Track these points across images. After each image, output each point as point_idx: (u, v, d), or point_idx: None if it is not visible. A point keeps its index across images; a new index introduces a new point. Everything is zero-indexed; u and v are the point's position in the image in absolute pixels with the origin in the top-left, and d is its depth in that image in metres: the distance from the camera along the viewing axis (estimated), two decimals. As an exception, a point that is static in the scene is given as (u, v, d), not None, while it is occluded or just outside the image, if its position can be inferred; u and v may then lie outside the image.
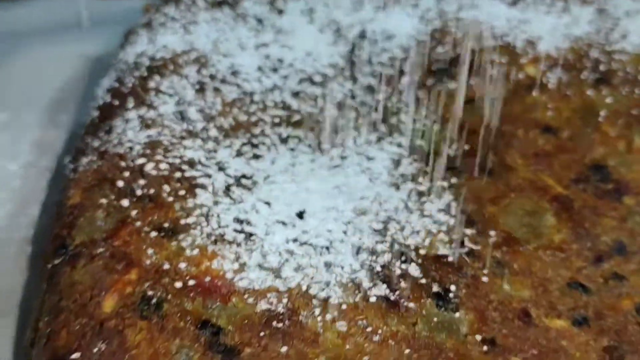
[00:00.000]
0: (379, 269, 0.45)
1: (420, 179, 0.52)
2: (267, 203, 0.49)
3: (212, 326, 0.41)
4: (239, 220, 0.47)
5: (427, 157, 0.54)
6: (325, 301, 0.43)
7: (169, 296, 0.42)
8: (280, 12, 0.66)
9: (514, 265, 0.47)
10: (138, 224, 0.45)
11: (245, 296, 0.42)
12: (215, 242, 0.45)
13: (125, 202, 0.47)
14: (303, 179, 0.51)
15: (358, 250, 0.46)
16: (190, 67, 0.58)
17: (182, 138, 0.52)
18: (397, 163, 0.53)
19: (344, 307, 0.43)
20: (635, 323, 0.44)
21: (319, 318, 0.42)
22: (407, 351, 0.41)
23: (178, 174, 0.49)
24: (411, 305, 0.44)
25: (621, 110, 0.59)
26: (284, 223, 0.47)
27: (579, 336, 0.44)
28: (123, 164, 0.49)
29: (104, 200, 0.47)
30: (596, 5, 0.67)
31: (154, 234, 0.45)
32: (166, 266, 0.43)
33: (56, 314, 0.42)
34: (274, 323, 0.41)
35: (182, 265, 0.43)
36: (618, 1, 0.67)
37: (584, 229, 0.50)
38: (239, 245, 0.45)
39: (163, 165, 0.50)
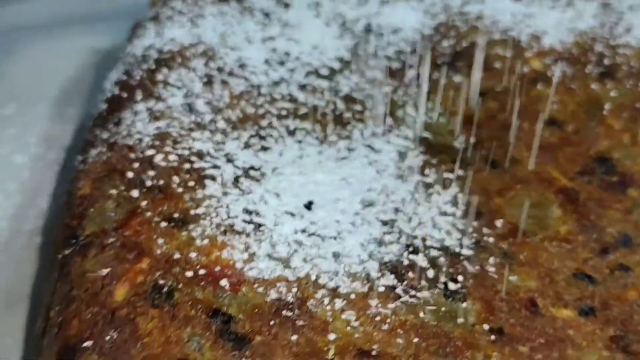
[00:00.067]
0: (386, 259, 0.46)
1: (427, 171, 0.53)
2: (276, 194, 0.49)
3: (223, 315, 0.41)
4: (248, 211, 0.47)
5: (434, 149, 0.55)
6: (334, 291, 0.43)
7: (180, 285, 0.42)
8: (287, 5, 0.66)
9: (520, 256, 0.48)
10: (148, 214, 0.46)
11: (255, 285, 0.43)
12: (224, 232, 0.45)
13: (135, 193, 0.47)
14: (311, 171, 0.51)
15: (366, 241, 0.47)
16: (197, 60, 0.58)
17: (191, 130, 0.52)
18: (403, 155, 0.54)
19: (352, 296, 0.43)
20: (640, 313, 0.45)
21: (328, 307, 0.42)
22: (415, 340, 0.42)
23: (187, 165, 0.49)
24: (419, 295, 0.44)
25: (626, 104, 0.59)
26: (292, 214, 0.48)
27: (586, 326, 0.44)
28: (132, 155, 0.50)
29: (113, 191, 0.48)
30: (600, -1, 0.68)
31: (164, 224, 0.45)
32: (177, 256, 0.44)
33: (67, 303, 0.43)
34: (284, 312, 0.42)
35: (193, 254, 0.44)
36: (622, -5, 0.68)
37: (590, 221, 0.51)
38: (248, 235, 0.46)
39: (172, 157, 0.50)
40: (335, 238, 0.47)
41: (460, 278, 0.45)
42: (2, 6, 0.80)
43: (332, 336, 0.41)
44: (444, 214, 0.50)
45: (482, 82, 0.60)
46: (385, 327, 0.42)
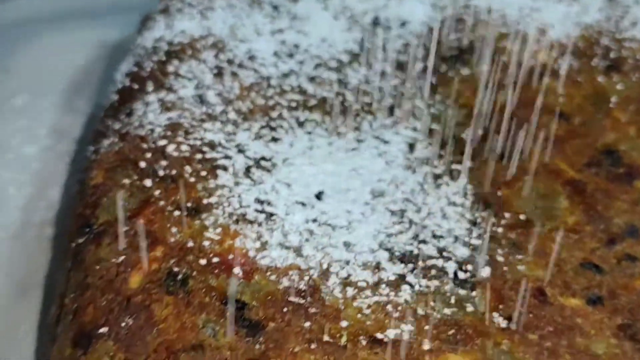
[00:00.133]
0: (396, 249, 0.46)
1: (436, 162, 0.53)
2: (287, 184, 0.49)
3: (237, 302, 0.41)
4: (259, 201, 0.48)
5: (442, 141, 0.55)
6: (345, 279, 0.44)
7: (194, 273, 0.43)
8: (295, -2, 0.67)
9: (528, 246, 0.48)
10: (161, 203, 0.46)
11: (268, 273, 0.43)
12: (237, 221, 0.46)
13: (148, 182, 0.48)
14: (321, 162, 0.52)
15: (376, 231, 0.47)
16: (208, 51, 0.59)
17: (202, 121, 0.53)
18: (412, 147, 0.54)
19: (363, 285, 0.44)
20: (648, 302, 0.45)
21: (340, 295, 0.43)
22: (426, 327, 0.42)
23: (199, 156, 0.50)
24: (429, 283, 0.44)
25: (632, 97, 0.60)
26: (303, 204, 0.48)
27: (594, 314, 0.44)
28: (145, 145, 0.50)
29: (126, 181, 0.48)
30: (607, -7, 0.68)
31: (177, 213, 0.46)
32: (190, 244, 0.44)
33: (82, 290, 0.43)
34: (297, 299, 0.42)
35: (206, 243, 0.44)
36: (628, -11, 0.68)
37: (597, 212, 0.51)
38: (260, 224, 0.46)
39: (184, 147, 0.50)
40: (345, 227, 0.47)
41: (469, 267, 0.46)
42: (12, 0, 0.81)
43: (344, 323, 0.42)
44: (453, 204, 0.50)
45: (489, 74, 0.60)
46: (396, 314, 0.43)
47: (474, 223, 0.49)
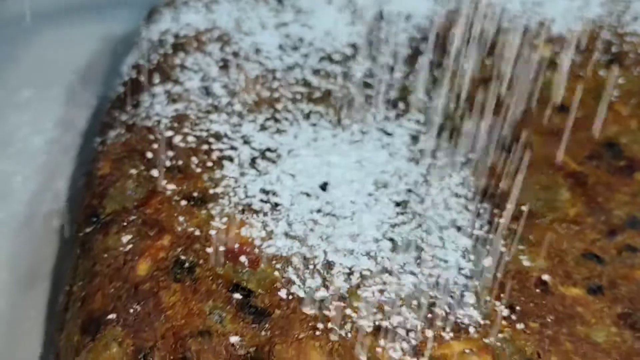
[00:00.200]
0: (399, 238, 0.47)
1: (439, 154, 0.54)
2: (292, 175, 0.50)
3: (243, 289, 0.42)
4: (265, 191, 0.48)
5: (444, 133, 0.56)
6: (349, 268, 0.45)
7: (201, 261, 0.43)
8: (300, -8, 0.67)
9: (530, 237, 0.49)
10: (168, 193, 0.47)
11: (273, 262, 0.44)
12: (242, 211, 0.47)
13: (154, 173, 0.49)
14: (325, 153, 0.52)
15: (379, 221, 0.48)
16: (213, 44, 0.59)
17: (208, 112, 0.53)
18: (415, 139, 0.55)
19: (367, 273, 0.44)
20: (648, 292, 0.46)
21: (345, 284, 0.44)
22: (429, 316, 0.43)
23: (205, 147, 0.51)
24: (432, 272, 0.45)
25: (633, 90, 0.60)
26: (308, 194, 0.49)
27: (594, 303, 0.45)
28: (151, 136, 0.51)
29: (133, 171, 0.49)
30: (608, -13, 0.69)
31: (184, 202, 0.47)
32: (197, 233, 0.45)
33: (90, 278, 0.44)
34: (302, 287, 0.43)
35: (212, 232, 0.45)
36: (630, -16, 0.69)
37: (598, 204, 0.52)
38: (265, 214, 0.47)
39: (190, 138, 0.51)
40: (349, 218, 0.48)
41: (472, 257, 0.47)
42: (19, -7, 0.82)
43: (348, 311, 0.42)
44: (456, 195, 0.51)
45: (492, 68, 0.61)
46: (399, 303, 0.43)
47: (476, 214, 0.50)
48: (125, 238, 0.45)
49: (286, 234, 0.46)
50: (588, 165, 0.55)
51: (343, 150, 0.53)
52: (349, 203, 0.49)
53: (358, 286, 0.44)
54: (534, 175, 0.53)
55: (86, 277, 0.44)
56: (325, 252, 0.45)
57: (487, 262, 0.47)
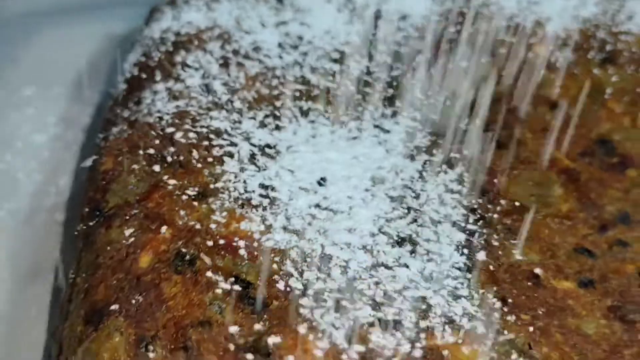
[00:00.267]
0: (395, 233, 0.48)
1: (434, 151, 0.55)
2: (290, 171, 0.51)
3: (242, 281, 0.43)
4: (264, 186, 0.49)
5: (441, 130, 0.57)
6: (346, 261, 0.46)
7: (201, 253, 0.44)
8: (299, -9, 0.68)
9: (523, 232, 0.50)
10: (170, 187, 0.48)
11: (272, 255, 0.45)
12: (242, 205, 0.48)
13: (156, 168, 0.50)
14: (323, 149, 0.53)
15: (376, 216, 0.49)
16: (214, 42, 0.61)
17: (209, 109, 0.54)
18: (411, 136, 0.56)
19: (364, 266, 0.46)
20: (637, 285, 0.47)
21: (341, 276, 0.45)
22: (423, 307, 0.44)
23: (206, 142, 0.52)
24: (427, 266, 0.46)
25: (627, 88, 0.61)
26: (306, 189, 0.50)
27: (585, 296, 0.46)
28: (153, 132, 0.52)
29: (135, 166, 0.50)
30: (603, -13, 0.70)
31: (185, 197, 0.48)
32: (198, 226, 0.46)
33: (94, 270, 0.45)
34: (299, 279, 0.44)
35: (213, 225, 0.46)
36: (624, -16, 0.70)
37: (590, 200, 0.53)
38: (264, 209, 0.48)
39: (191, 134, 0.52)
40: (346, 213, 0.49)
41: (465, 251, 0.48)
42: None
43: (344, 303, 0.43)
44: (451, 191, 0.52)
45: (488, 66, 0.62)
46: (394, 295, 0.44)
47: (470, 209, 0.51)
48: (128, 231, 0.46)
49: (284, 228, 0.47)
50: (581, 161, 0.56)
51: (341, 147, 0.54)
52: (346, 198, 0.50)
53: (354, 279, 0.45)
54: (528, 172, 0.54)
55: (89, 269, 0.45)
56: (322, 246, 0.46)
57: (481, 256, 0.48)
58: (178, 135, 0.52)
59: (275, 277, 0.44)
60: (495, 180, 0.53)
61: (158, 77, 0.57)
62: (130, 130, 0.53)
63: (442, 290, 0.45)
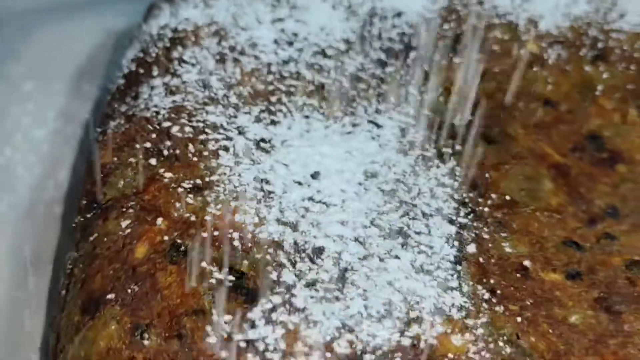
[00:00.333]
0: (387, 225, 0.49)
1: (427, 146, 0.56)
2: (284, 164, 0.52)
3: (236, 272, 0.44)
4: (258, 180, 0.50)
5: (434, 126, 0.58)
6: (339, 253, 0.47)
7: (196, 244, 0.45)
8: (295, -12, 0.69)
9: (513, 225, 0.51)
10: (166, 180, 0.49)
11: (265, 247, 0.46)
12: (237, 198, 0.49)
13: (153, 161, 0.51)
14: (317, 144, 0.54)
15: (368, 209, 0.50)
16: (211, 39, 0.61)
17: (205, 104, 0.55)
18: (405, 131, 0.57)
19: (356, 258, 0.46)
20: (624, 277, 0.48)
21: (333, 267, 0.46)
22: (414, 298, 0.45)
23: (202, 137, 0.53)
24: (418, 257, 0.47)
25: (617, 85, 0.62)
26: (300, 183, 0.51)
27: (572, 288, 0.47)
28: (150, 126, 0.53)
29: (132, 159, 0.51)
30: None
31: (180, 189, 0.49)
32: (193, 218, 0.47)
33: (90, 261, 0.46)
34: (292, 270, 0.45)
35: (207, 217, 0.47)
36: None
37: (579, 194, 0.54)
38: (259, 201, 0.49)
39: (187, 129, 0.53)
40: (339, 206, 0.50)
41: (456, 244, 0.49)
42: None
43: (336, 293, 0.44)
44: (442, 185, 0.53)
45: (481, 63, 0.63)
46: (386, 286, 0.45)
47: (461, 203, 0.52)
48: (124, 223, 0.47)
49: (278, 220, 0.48)
50: (571, 157, 0.57)
51: (335, 141, 0.55)
52: (339, 191, 0.51)
53: (346, 270, 0.46)
54: (519, 166, 0.55)
55: (86, 260, 0.46)
56: (315, 238, 0.47)
57: (471, 248, 0.49)
58: (174, 130, 0.53)
59: (269, 268, 0.45)
60: (486, 175, 0.54)
61: (155, 72, 0.58)
62: (128, 125, 0.54)
63: (433, 282, 0.46)
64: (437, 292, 0.45)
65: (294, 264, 0.45)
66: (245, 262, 0.45)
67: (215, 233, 0.46)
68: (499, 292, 0.46)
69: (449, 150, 0.56)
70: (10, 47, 0.76)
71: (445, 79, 0.61)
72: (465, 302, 0.45)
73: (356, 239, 0.48)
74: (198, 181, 0.49)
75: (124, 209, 0.48)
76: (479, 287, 0.46)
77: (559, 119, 0.60)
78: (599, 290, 0.47)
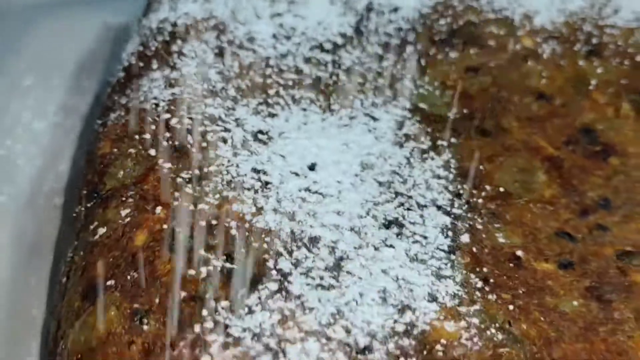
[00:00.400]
0: (382, 216, 0.50)
1: (422, 139, 0.57)
2: (282, 156, 0.53)
3: (233, 259, 0.45)
4: (256, 170, 0.51)
5: (429, 119, 0.59)
6: (334, 242, 0.47)
7: (195, 233, 0.46)
8: (293, -16, 0.70)
9: (506, 216, 0.52)
10: (165, 170, 0.50)
11: (263, 235, 0.47)
12: (234, 188, 0.49)
13: (152, 152, 0.51)
14: (314, 136, 0.55)
15: (364, 200, 0.51)
16: (209, 33, 0.62)
17: (204, 96, 0.56)
18: (400, 124, 0.58)
19: (352, 248, 0.47)
20: (615, 267, 0.49)
21: (329, 256, 0.46)
22: (409, 286, 0.45)
23: (201, 128, 0.53)
24: (412, 247, 0.48)
25: (611, 80, 0.63)
26: (297, 174, 0.52)
27: (564, 277, 0.48)
28: (149, 118, 0.54)
29: (132, 150, 0.52)
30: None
31: (179, 179, 0.49)
32: (191, 207, 0.48)
33: (91, 248, 0.47)
34: (289, 259, 0.46)
35: (206, 207, 0.48)
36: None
37: (572, 186, 0.55)
38: (256, 192, 0.50)
39: (186, 120, 0.54)
40: (336, 196, 0.51)
41: (450, 233, 0.49)
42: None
43: (332, 281, 0.45)
44: (437, 177, 0.54)
45: (476, 58, 0.63)
46: (380, 274, 0.46)
47: (456, 194, 0.53)
48: (124, 212, 0.48)
49: (275, 210, 0.49)
50: (565, 149, 0.57)
51: (331, 134, 0.56)
52: (335, 182, 0.52)
53: (342, 258, 0.46)
54: (512, 159, 0.56)
55: (87, 248, 0.47)
56: (311, 227, 0.48)
57: (465, 238, 0.49)
58: (173, 121, 0.53)
59: (265, 256, 0.45)
60: (480, 167, 0.55)
61: (155, 65, 0.59)
62: (128, 116, 0.55)
63: (427, 270, 0.47)
64: (430, 281, 0.46)
65: (290, 253, 0.46)
66: (243, 250, 0.46)
67: (214, 222, 0.47)
68: (491, 281, 0.47)
69: (444, 143, 0.57)
70: (11, 43, 0.77)
71: (441, 73, 0.62)
72: (458, 290, 0.46)
73: (352, 229, 0.48)
74: (196, 171, 0.50)
75: (124, 199, 0.48)
76: (472, 276, 0.47)
77: (553, 112, 0.60)
78: (590, 279, 0.48)
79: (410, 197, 0.52)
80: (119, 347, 0.41)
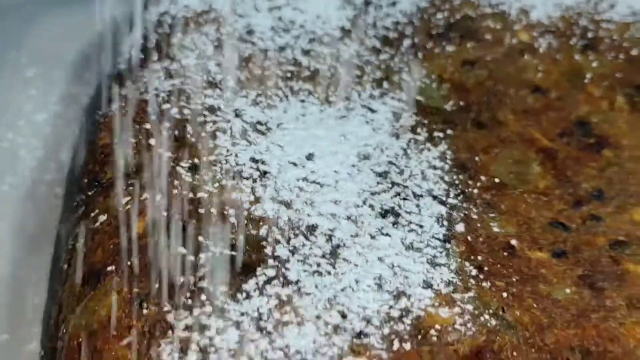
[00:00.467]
0: (379, 205, 0.51)
1: (419, 130, 0.58)
2: (280, 146, 0.54)
3: (231, 247, 0.46)
4: (254, 160, 0.52)
5: (426, 111, 0.59)
6: (331, 230, 0.48)
7: (194, 220, 0.47)
8: (292, -22, 0.70)
9: (501, 206, 0.53)
10: (165, 160, 0.51)
11: (260, 223, 0.48)
12: (233, 177, 0.50)
13: (152, 142, 0.52)
14: (312, 127, 0.56)
15: (361, 190, 0.51)
16: (209, 25, 0.63)
17: (203, 88, 0.57)
18: (398, 116, 0.59)
19: (348, 236, 0.48)
20: (607, 256, 0.50)
21: (326, 244, 0.47)
22: (404, 274, 0.46)
23: (200, 119, 0.54)
24: (408, 236, 0.49)
25: (606, 74, 0.64)
26: (294, 164, 0.52)
27: (557, 266, 0.49)
28: (150, 109, 0.55)
29: (132, 140, 0.52)
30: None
31: (179, 168, 0.50)
32: (190, 196, 0.48)
33: (92, 235, 0.48)
34: (286, 246, 0.46)
35: (205, 195, 0.49)
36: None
37: (566, 177, 0.55)
38: (254, 181, 0.50)
39: (186, 111, 0.55)
40: (333, 186, 0.51)
41: (445, 223, 0.50)
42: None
43: (329, 268, 0.46)
44: (433, 167, 0.55)
45: (473, 51, 0.64)
46: (376, 262, 0.47)
47: (451, 184, 0.53)
48: (124, 200, 0.48)
49: (273, 199, 0.50)
50: (559, 142, 0.58)
51: (329, 125, 0.57)
52: (332, 172, 0.52)
53: (338, 246, 0.47)
54: (508, 150, 0.57)
55: (88, 235, 0.48)
56: (309, 216, 0.49)
57: (460, 227, 0.50)
58: (173, 112, 0.54)
59: (263, 243, 0.46)
60: (476, 158, 0.56)
61: (155, 57, 0.60)
62: (128, 107, 0.55)
63: (422, 258, 0.48)
64: (425, 268, 0.47)
65: (288, 240, 0.47)
66: (241, 237, 0.46)
67: (212, 210, 0.48)
68: (486, 269, 0.48)
69: (440, 134, 0.57)
70: (13, 35, 0.77)
71: (438, 67, 0.63)
72: (453, 277, 0.47)
73: (349, 218, 0.49)
74: (196, 161, 0.51)
75: (124, 187, 0.49)
76: (467, 264, 0.48)
77: (548, 105, 0.61)
78: (583, 268, 0.49)
79: (406, 187, 0.53)
80: (120, 331, 0.42)
